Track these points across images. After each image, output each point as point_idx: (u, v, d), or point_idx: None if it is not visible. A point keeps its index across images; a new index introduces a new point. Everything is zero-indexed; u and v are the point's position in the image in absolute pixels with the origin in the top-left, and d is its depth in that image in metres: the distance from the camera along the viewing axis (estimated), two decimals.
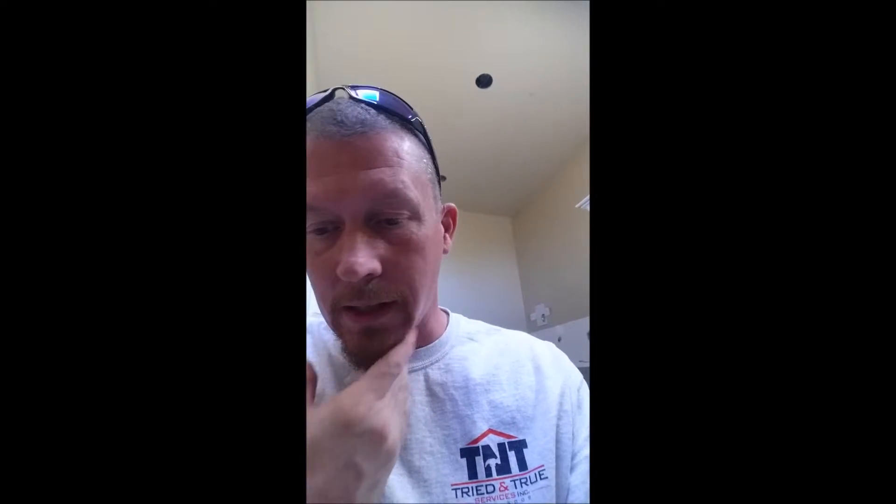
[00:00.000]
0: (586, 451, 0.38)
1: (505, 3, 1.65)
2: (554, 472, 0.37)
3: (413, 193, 0.31)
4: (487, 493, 0.33)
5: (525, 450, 0.36)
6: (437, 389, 0.37)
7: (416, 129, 0.35)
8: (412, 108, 0.35)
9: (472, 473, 0.33)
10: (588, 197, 2.08)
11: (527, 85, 2.05)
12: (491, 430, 0.36)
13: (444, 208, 0.40)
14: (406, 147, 0.32)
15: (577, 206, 2.20)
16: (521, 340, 0.46)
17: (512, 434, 0.36)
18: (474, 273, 3.06)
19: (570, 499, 0.36)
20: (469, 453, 0.34)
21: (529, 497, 0.34)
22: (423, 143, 0.36)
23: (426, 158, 0.36)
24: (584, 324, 2.39)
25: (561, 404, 0.40)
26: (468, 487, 0.33)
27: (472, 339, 0.44)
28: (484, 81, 1.95)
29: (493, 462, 0.34)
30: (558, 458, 0.37)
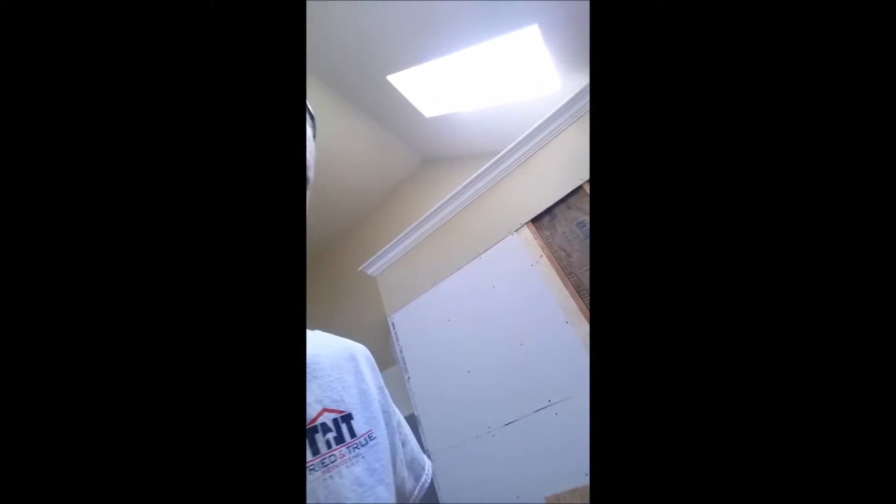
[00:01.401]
0: (395, 420, 0.47)
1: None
2: (384, 433, 0.43)
3: None
4: (331, 463, 0.36)
5: (352, 421, 0.41)
6: None
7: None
8: None
9: (315, 450, 0.36)
10: (368, 262, 2.47)
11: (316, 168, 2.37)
12: (325, 409, 0.40)
13: None
14: None
15: (359, 269, 2.57)
16: (334, 338, 0.50)
17: (341, 409, 0.41)
18: None
19: (402, 452, 0.45)
20: (310, 433, 0.37)
21: (363, 457, 0.39)
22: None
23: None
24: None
25: (373, 386, 0.47)
26: (314, 464, 0.35)
27: None
28: None
29: (330, 436, 0.38)
30: (386, 424, 0.45)
